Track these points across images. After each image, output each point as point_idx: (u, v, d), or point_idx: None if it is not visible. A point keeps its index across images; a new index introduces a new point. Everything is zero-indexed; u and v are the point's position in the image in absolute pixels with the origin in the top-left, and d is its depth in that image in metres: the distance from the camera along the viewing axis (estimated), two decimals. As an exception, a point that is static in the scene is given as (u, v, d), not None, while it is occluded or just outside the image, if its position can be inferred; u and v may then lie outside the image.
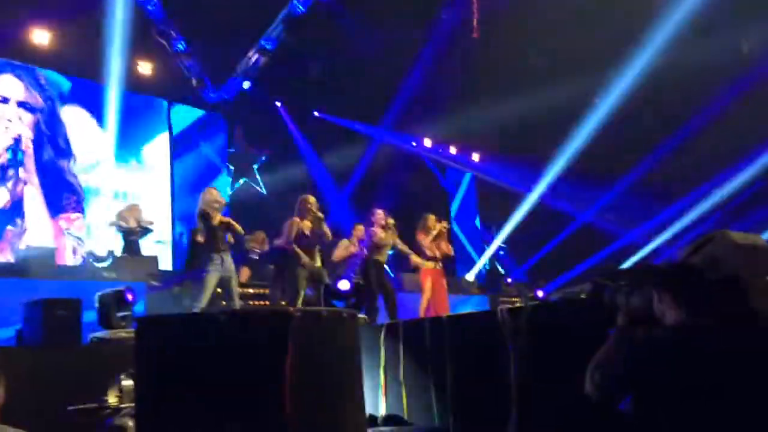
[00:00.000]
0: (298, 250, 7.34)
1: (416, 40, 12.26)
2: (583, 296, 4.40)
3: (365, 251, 8.27)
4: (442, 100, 13.33)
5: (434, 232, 8.46)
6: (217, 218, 6.88)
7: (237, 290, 6.98)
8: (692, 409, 2.26)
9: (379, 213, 8.44)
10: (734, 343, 2.42)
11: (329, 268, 8.31)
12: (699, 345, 2.34)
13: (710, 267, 3.30)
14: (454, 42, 12.13)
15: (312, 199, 7.67)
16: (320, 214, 7.56)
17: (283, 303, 7.69)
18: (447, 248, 8.63)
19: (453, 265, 13.30)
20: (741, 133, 12.03)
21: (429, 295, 8.28)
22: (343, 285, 8.08)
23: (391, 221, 8.38)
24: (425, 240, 8.42)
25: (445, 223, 8.78)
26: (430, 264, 8.39)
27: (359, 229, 8.63)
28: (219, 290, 6.95)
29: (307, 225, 7.45)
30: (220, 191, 7.59)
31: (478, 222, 17.18)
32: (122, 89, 10.90)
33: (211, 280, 6.67)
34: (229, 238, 7.09)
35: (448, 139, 15.84)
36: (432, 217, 8.71)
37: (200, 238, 6.95)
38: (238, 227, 7.15)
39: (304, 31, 12.35)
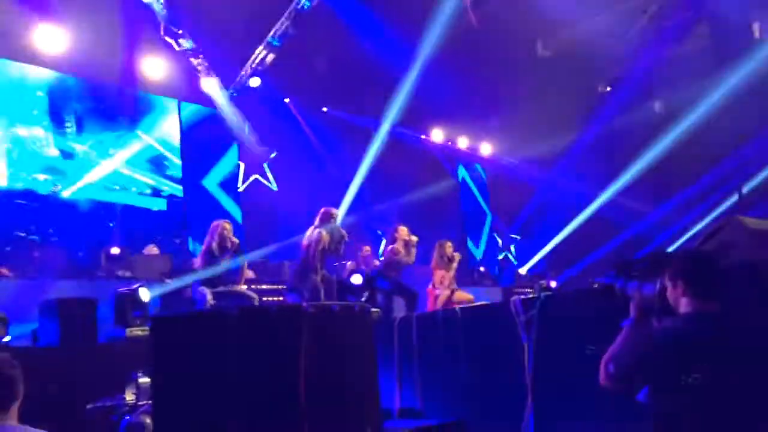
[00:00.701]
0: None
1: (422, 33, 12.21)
2: (596, 286, 4.38)
3: (376, 264, 8.21)
4: (451, 93, 13.28)
5: (454, 266, 8.32)
6: (224, 257, 6.89)
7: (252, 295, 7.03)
8: (703, 396, 2.25)
9: (403, 230, 8.24)
10: (747, 327, 2.41)
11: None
12: (712, 331, 2.33)
13: (724, 253, 3.30)
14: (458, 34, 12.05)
15: (335, 212, 7.64)
16: (344, 232, 7.54)
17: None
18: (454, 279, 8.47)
19: (464, 258, 13.28)
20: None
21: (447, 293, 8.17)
22: (356, 279, 8.07)
23: (414, 239, 8.19)
24: (445, 276, 8.21)
25: (458, 255, 8.63)
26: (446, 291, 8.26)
27: (366, 250, 8.58)
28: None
29: (329, 241, 7.39)
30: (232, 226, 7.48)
31: (488, 213, 17.13)
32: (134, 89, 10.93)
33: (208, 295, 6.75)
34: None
35: (458, 132, 15.81)
36: (449, 244, 8.55)
37: (197, 264, 7.05)
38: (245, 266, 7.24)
39: (311, 27, 12.34)
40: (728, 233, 3.37)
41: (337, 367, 3.72)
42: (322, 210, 7.66)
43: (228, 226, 7.13)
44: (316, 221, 7.54)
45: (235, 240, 7.08)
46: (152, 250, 9.09)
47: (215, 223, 7.16)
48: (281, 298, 8.06)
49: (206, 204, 12.28)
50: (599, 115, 13.49)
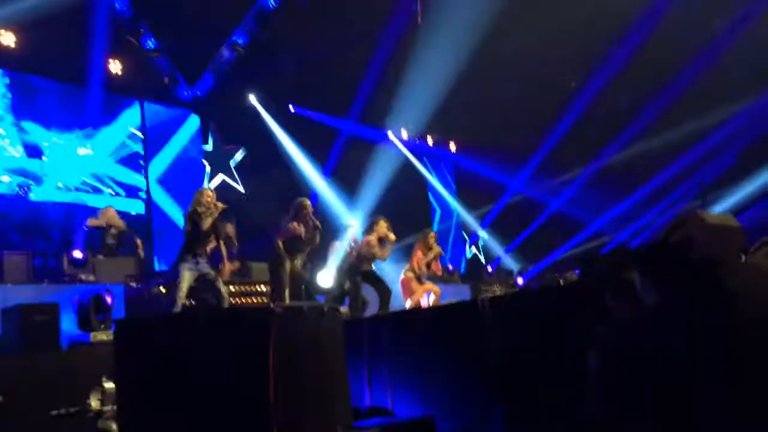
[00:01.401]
0: (282, 251, 7.31)
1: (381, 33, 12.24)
2: (561, 283, 4.45)
3: (354, 256, 8.19)
4: (416, 91, 13.34)
5: (431, 255, 8.39)
6: (208, 222, 6.78)
7: (221, 284, 6.93)
8: (677, 386, 2.30)
9: (382, 225, 8.13)
10: (709, 322, 2.46)
11: (312, 264, 8.29)
12: (679, 324, 2.38)
13: (686, 248, 3.37)
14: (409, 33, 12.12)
15: (308, 203, 7.61)
16: (317, 222, 7.53)
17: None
18: (437, 269, 8.56)
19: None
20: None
21: (420, 296, 8.23)
22: (325, 280, 8.05)
23: (392, 237, 8.11)
24: (422, 259, 8.32)
25: (440, 249, 8.70)
26: (420, 285, 8.31)
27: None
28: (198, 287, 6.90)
29: (301, 230, 7.40)
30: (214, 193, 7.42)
31: (456, 209, 17.23)
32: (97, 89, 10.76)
33: (186, 277, 6.59)
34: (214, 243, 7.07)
35: (425, 130, 15.87)
36: (433, 235, 8.63)
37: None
38: (230, 232, 7.07)
39: (276, 25, 12.27)
40: (689, 228, 3.43)
41: (307, 367, 3.72)
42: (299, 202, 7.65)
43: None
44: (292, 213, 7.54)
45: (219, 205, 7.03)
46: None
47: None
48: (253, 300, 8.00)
49: (166, 206, 12.15)
50: (568, 112, 13.66)
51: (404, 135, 15.61)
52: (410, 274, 8.33)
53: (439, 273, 8.82)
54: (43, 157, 10.75)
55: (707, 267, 3.12)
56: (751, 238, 3.75)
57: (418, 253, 8.40)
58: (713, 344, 2.43)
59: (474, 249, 16.82)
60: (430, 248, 8.42)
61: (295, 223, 7.43)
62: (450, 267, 13.22)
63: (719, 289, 3.10)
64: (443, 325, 4.60)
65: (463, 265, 16.25)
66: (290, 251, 7.43)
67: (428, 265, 8.40)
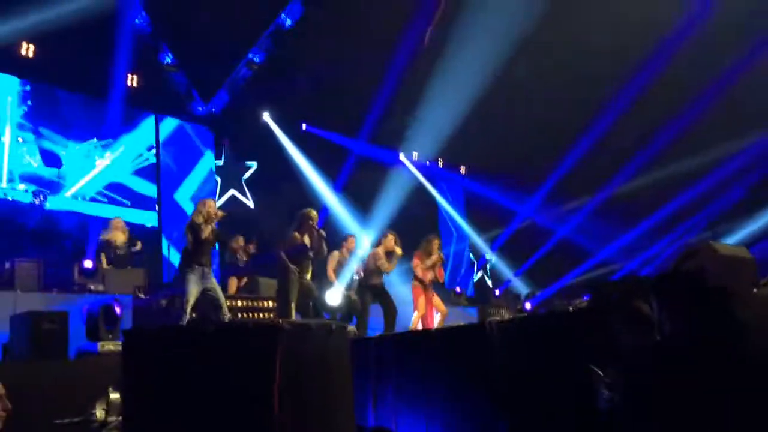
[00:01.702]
0: (287, 262, 7.33)
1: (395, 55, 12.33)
2: (571, 309, 4.43)
3: (362, 273, 8.27)
4: (428, 114, 13.43)
5: (433, 258, 8.42)
6: (207, 231, 6.79)
7: (223, 300, 6.92)
8: (687, 414, 2.29)
9: (390, 238, 8.31)
10: (720, 352, 2.46)
11: (320, 281, 8.30)
12: (695, 355, 2.37)
13: (698, 278, 3.37)
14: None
15: (314, 214, 7.66)
16: (322, 232, 7.57)
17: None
18: (440, 275, 8.60)
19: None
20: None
21: (422, 311, 8.26)
22: (332, 298, 8.05)
23: (399, 251, 8.28)
24: (421, 263, 8.37)
25: (442, 255, 8.73)
26: (425, 292, 8.34)
27: (350, 241, 8.60)
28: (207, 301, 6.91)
29: (307, 240, 7.44)
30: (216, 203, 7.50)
31: (466, 232, 17.22)
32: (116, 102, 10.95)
33: (192, 290, 6.59)
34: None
35: (436, 153, 15.92)
36: (437, 242, 8.65)
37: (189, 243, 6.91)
38: (239, 245, 7.05)
39: (292, 44, 12.41)
40: (701, 259, 3.43)
41: (313, 384, 3.71)
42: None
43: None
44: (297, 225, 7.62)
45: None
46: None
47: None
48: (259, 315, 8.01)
49: (178, 218, 12.21)
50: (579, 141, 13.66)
51: (415, 157, 15.68)
52: (415, 282, 8.38)
53: (441, 279, 8.75)
54: (61, 166, 10.88)
55: (719, 298, 3.11)
56: (763, 270, 3.75)
57: (415, 260, 8.44)
58: (724, 374, 2.43)
59: (482, 272, 16.77)
60: (430, 254, 8.43)
61: (297, 234, 7.45)
62: (458, 289, 13.18)
63: (731, 319, 3.10)
64: (450, 347, 4.59)
65: (470, 288, 16.19)
66: (296, 263, 7.41)
67: (432, 268, 8.38)
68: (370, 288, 8.08)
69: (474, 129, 13.34)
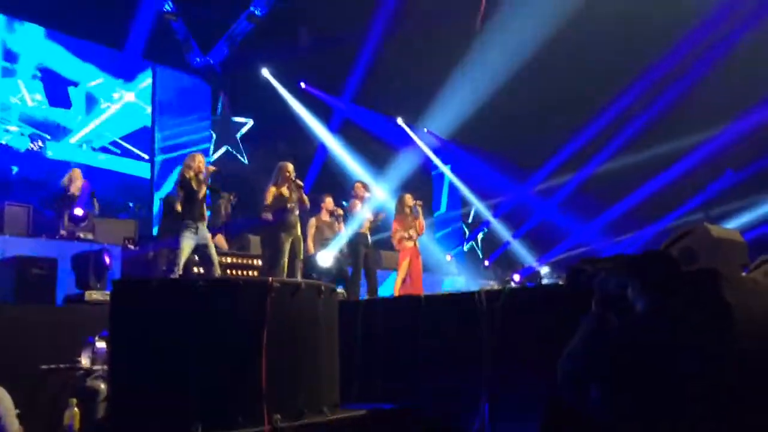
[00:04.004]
0: (270, 218, 7.30)
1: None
2: (560, 282, 4.45)
3: (342, 228, 8.33)
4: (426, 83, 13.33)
5: (407, 211, 8.51)
6: (197, 186, 6.74)
7: (215, 257, 6.92)
8: (658, 394, 2.30)
9: (358, 185, 8.57)
10: (701, 331, 2.47)
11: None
12: (667, 332, 2.37)
13: (687, 259, 3.37)
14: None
15: (290, 166, 7.60)
16: (299, 182, 7.53)
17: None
18: (420, 228, 8.63)
19: (430, 248, 13.38)
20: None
21: (404, 273, 8.33)
22: (324, 260, 8.06)
23: (368, 194, 8.51)
24: (399, 226, 8.46)
25: (420, 201, 8.74)
26: (408, 243, 8.42)
27: (328, 202, 8.56)
28: (196, 257, 6.90)
29: (284, 192, 7.42)
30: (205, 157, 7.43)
31: (465, 199, 17.21)
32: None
33: (186, 246, 6.58)
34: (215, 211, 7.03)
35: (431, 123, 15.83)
36: (408, 197, 8.68)
37: (178, 206, 6.84)
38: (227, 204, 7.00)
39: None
40: (693, 240, 3.43)
41: (299, 344, 3.73)
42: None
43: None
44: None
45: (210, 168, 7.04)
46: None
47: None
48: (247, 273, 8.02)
49: (169, 171, 12.15)
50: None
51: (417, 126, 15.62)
52: (400, 246, 8.46)
53: (422, 231, 8.70)
54: (69, 107, 10.72)
55: (708, 278, 3.13)
56: (753, 254, 3.76)
57: (394, 225, 8.54)
58: (705, 353, 2.44)
59: (473, 243, 16.82)
60: (403, 212, 8.52)
61: (274, 187, 7.42)
62: (448, 257, 13.23)
63: (716, 299, 3.12)
64: (438, 315, 4.61)
65: (461, 257, 16.26)
66: (281, 218, 7.37)
67: (413, 223, 8.49)
68: (359, 237, 8.26)
69: (484, 109, 13.21)
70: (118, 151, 11.61)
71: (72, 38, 11.06)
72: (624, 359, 2.34)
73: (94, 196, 8.33)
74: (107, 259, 6.22)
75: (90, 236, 7.99)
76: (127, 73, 11.76)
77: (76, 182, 8.26)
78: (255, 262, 8.24)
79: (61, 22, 10.68)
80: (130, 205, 11.05)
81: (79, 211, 7.96)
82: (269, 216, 7.31)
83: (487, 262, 14.93)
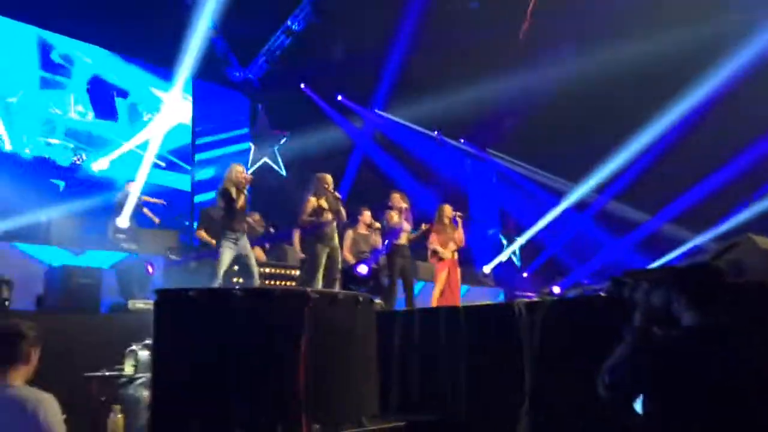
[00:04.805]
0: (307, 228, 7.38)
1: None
2: (601, 294, 4.37)
3: (379, 241, 8.32)
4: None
5: (446, 221, 8.49)
6: (238, 196, 6.81)
7: (256, 269, 6.98)
8: (705, 409, 2.25)
9: (395, 196, 8.47)
10: (750, 345, 2.40)
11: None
12: (715, 346, 2.32)
13: (735, 271, 3.29)
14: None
15: (328, 177, 7.65)
16: (337, 194, 7.57)
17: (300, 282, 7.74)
18: (459, 240, 8.60)
19: (470, 256, 13.30)
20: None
21: (442, 285, 8.29)
22: (362, 269, 8.07)
23: (405, 205, 8.38)
24: (439, 235, 8.43)
25: (460, 213, 8.70)
26: (446, 254, 8.39)
27: (365, 215, 8.55)
28: (236, 268, 6.97)
29: (323, 204, 7.45)
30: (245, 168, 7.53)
31: (496, 214, 17.12)
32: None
33: (226, 256, 6.63)
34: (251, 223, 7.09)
35: (472, 132, 15.79)
36: (447, 208, 8.64)
37: (217, 217, 6.93)
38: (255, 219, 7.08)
39: (333, 13, 12.30)
40: (740, 252, 3.35)
41: (338, 354, 3.74)
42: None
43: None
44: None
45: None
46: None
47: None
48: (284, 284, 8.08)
49: (211, 183, 12.34)
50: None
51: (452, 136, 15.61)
52: (436, 257, 8.45)
53: (461, 243, 8.63)
54: (116, 119, 10.97)
55: (757, 292, 3.05)
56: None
57: (432, 236, 8.50)
58: (757, 371, 2.37)
59: (511, 254, 16.66)
60: (442, 223, 8.51)
61: (313, 198, 7.45)
62: (486, 269, 13.12)
63: (764, 315, 3.03)
64: (477, 326, 4.58)
65: (496, 268, 16.11)
66: (319, 229, 7.42)
67: (452, 236, 8.47)
68: (397, 249, 8.20)
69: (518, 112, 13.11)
70: (163, 164, 11.83)
71: (116, 53, 11.35)
72: (670, 373, 2.30)
73: (147, 207, 8.50)
74: (150, 269, 6.34)
75: (134, 247, 8.15)
76: (169, 87, 12.00)
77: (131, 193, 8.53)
78: (292, 272, 8.30)
79: (107, 37, 10.95)
80: (179, 219, 11.24)
81: (123, 223, 8.13)
82: (305, 226, 7.39)
83: (525, 273, 14.76)
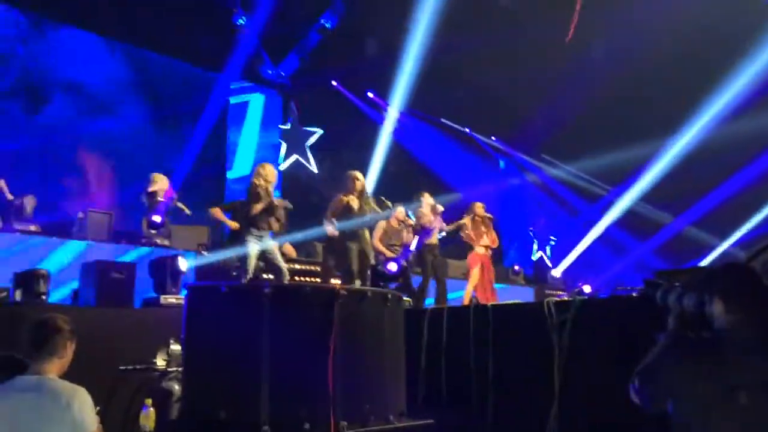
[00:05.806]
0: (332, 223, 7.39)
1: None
2: (634, 294, 4.31)
3: (410, 237, 8.31)
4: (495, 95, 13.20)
5: (478, 219, 8.53)
6: (267, 200, 6.81)
7: (283, 265, 7.01)
8: (738, 413, 2.20)
9: (426, 195, 8.50)
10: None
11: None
12: (748, 348, 2.27)
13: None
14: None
15: (359, 175, 7.67)
16: (367, 191, 7.60)
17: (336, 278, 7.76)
18: (492, 241, 8.59)
19: (500, 254, 13.22)
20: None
21: (475, 281, 8.27)
22: (392, 267, 8.07)
23: (440, 208, 8.39)
24: (473, 230, 8.48)
25: (490, 215, 8.69)
26: (480, 249, 8.41)
27: (399, 212, 8.53)
28: (261, 264, 7.02)
29: (354, 201, 7.47)
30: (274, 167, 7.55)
31: (528, 213, 16.98)
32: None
33: (253, 252, 6.70)
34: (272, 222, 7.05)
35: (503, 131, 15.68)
36: (479, 206, 8.72)
37: (253, 210, 6.95)
38: (282, 213, 7.04)
39: (365, 10, 12.29)
40: (776, 253, 3.27)
41: (366, 351, 3.76)
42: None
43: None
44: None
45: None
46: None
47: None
48: (312, 280, 8.12)
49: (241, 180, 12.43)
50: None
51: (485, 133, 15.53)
52: (471, 252, 8.52)
53: (495, 244, 8.80)
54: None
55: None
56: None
57: (465, 229, 8.57)
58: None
59: (542, 252, 16.50)
60: (473, 216, 8.61)
61: (344, 197, 7.46)
62: (516, 267, 13.03)
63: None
64: (506, 324, 4.55)
65: (530, 267, 15.98)
66: (347, 228, 7.42)
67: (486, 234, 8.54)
68: (427, 248, 8.23)
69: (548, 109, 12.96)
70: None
71: (150, 51, 11.51)
72: (700, 376, 2.26)
73: (178, 200, 8.54)
74: (182, 265, 6.42)
75: (166, 242, 8.26)
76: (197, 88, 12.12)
77: (159, 186, 8.47)
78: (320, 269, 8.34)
79: (143, 37, 11.11)
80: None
81: (157, 218, 8.23)
82: (331, 224, 7.41)
83: (556, 272, 14.60)
